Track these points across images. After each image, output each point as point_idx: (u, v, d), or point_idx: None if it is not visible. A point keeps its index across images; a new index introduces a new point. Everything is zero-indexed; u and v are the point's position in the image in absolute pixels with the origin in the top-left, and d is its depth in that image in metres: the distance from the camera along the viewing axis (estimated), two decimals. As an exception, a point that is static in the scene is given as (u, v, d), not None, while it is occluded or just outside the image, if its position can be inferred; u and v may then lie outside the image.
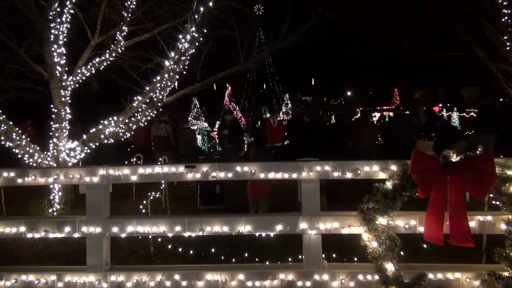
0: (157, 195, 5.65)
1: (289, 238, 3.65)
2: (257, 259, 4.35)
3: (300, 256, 3.55)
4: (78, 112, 8.52)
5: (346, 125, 9.86)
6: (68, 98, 7.06)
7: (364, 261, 3.19)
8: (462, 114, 26.96)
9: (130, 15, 7.34)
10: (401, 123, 9.76)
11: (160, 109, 8.35)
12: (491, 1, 8.57)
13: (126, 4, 7.22)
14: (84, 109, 10.56)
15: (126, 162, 8.74)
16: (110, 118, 7.22)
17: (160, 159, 8.04)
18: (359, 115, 11.17)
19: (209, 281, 3.27)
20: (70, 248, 5.30)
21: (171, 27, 7.77)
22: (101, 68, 7.72)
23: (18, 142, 6.53)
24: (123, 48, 7.63)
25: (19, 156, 6.78)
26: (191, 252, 4.76)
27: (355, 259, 3.90)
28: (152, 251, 4.99)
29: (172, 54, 6.94)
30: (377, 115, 30.63)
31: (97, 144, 7.20)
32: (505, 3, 7.76)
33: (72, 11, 6.99)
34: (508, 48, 8.59)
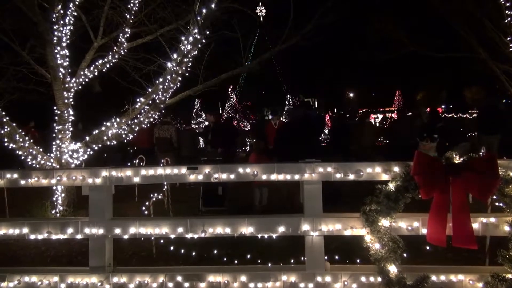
0: (159, 197, 5.66)
1: (292, 239, 3.65)
2: (259, 261, 4.34)
3: (302, 258, 3.55)
4: (80, 113, 8.55)
5: (347, 126, 9.84)
6: (71, 100, 7.08)
7: (366, 263, 3.18)
8: (465, 115, 26.88)
9: (132, 17, 7.36)
10: (404, 124, 9.75)
11: (163, 111, 8.37)
12: (493, 2, 8.55)
13: (128, 6, 7.25)
14: (86, 111, 10.59)
15: (129, 164, 8.76)
16: (113, 120, 7.24)
17: (162, 161, 8.05)
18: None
19: (211, 283, 3.27)
20: (73, 250, 5.31)
21: (174, 29, 7.79)
22: (103, 70, 7.74)
23: (22, 144, 6.55)
24: (125, 50, 7.65)
25: (22, 157, 6.81)
26: (193, 253, 4.76)
27: (358, 261, 3.89)
28: (155, 252, 4.99)
29: (175, 55, 6.96)
30: (380, 116, 30.58)
31: (100, 145, 7.22)
32: (507, 4, 7.73)
33: (75, 13, 7.02)
34: (511, 49, 8.57)
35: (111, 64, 7.65)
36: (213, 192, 6.92)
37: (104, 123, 7.27)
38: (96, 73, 7.55)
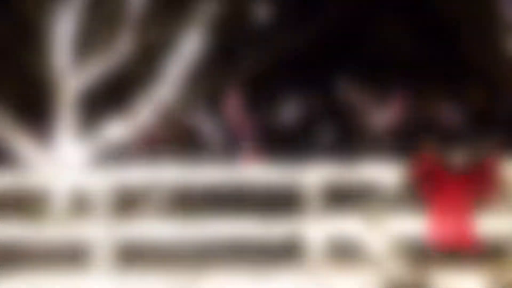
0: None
1: (292, 240, 3.64)
2: (259, 262, 4.33)
3: (303, 259, 3.55)
4: (81, 114, 8.54)
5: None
6: (72, 100, 7.08)
7: (367, 264, 3.18)
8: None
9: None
10: (405, 125, 9.72)
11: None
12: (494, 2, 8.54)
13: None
14: (88, 111, 10.58)
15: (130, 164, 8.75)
16: (114, 120, 7.23)
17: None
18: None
19: (212, 283, 3.27)
20: (74, 250, 5.30)
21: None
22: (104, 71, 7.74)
23: (22, 144, 6.55)
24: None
25: (23, 158, 6.80)
26: (194, 254, 4.75)
27: (359, 262, 3.88)
28: (156, 252, 4.98)
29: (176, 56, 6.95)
30: (380, 117, 30.51)
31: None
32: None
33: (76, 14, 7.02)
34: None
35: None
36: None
37: (105, 123, 7.26)
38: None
